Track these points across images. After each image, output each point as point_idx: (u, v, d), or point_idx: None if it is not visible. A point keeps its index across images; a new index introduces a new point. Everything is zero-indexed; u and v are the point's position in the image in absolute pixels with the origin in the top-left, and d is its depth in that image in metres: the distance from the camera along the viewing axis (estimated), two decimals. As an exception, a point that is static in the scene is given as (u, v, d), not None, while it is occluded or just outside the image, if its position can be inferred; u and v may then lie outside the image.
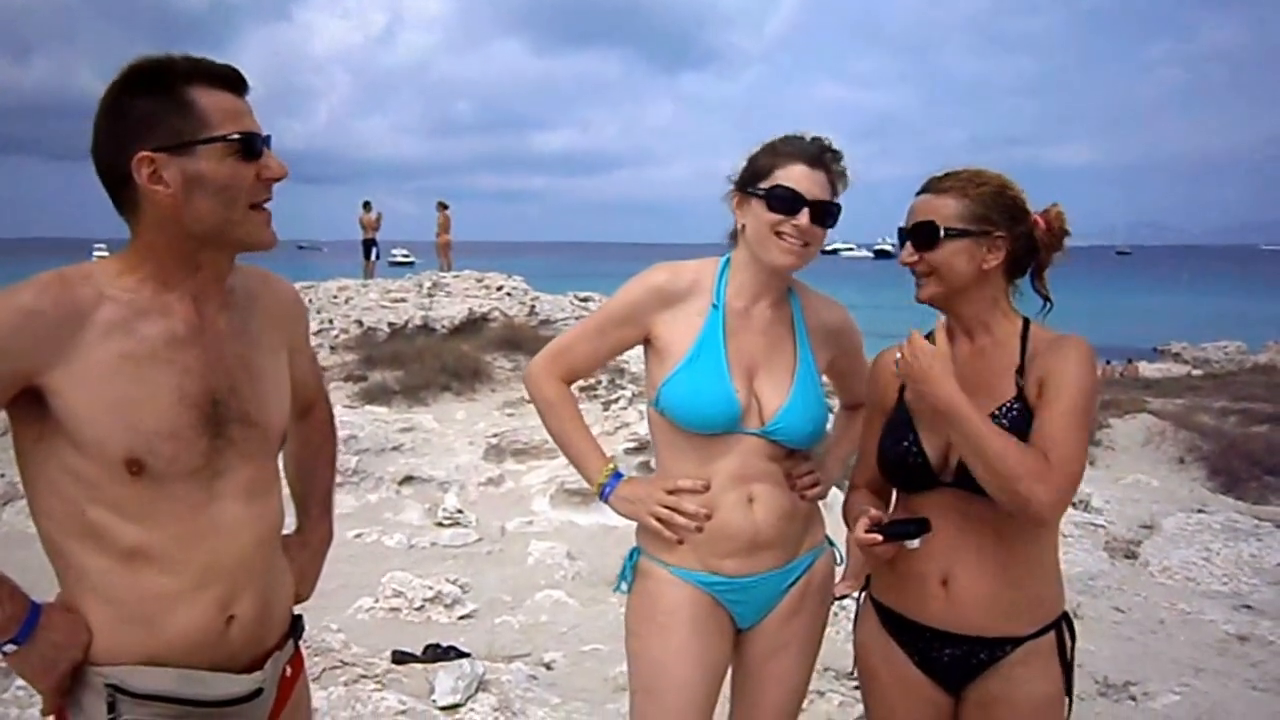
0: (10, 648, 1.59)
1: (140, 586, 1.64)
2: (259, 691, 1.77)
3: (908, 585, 2.17)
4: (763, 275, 2.33)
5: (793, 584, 2.39)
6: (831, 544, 2.51)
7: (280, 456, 1.90)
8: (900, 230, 2.20)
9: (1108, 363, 27.05)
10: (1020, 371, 2.11)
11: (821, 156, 2.28)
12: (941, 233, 2.11)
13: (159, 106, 1.59)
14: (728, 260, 2.39)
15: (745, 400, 2.29)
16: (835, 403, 2.69)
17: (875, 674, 2.28)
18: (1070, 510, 7.95)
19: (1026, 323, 2.18)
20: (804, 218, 2.22)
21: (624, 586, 2.46)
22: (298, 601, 2.01)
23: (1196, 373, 24.11)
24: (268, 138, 1.68)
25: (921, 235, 2.14)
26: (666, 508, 2.30)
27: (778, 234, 2.24)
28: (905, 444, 2.16)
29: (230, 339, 1.74)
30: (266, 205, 1.70)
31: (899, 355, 2.11)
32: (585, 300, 18.25)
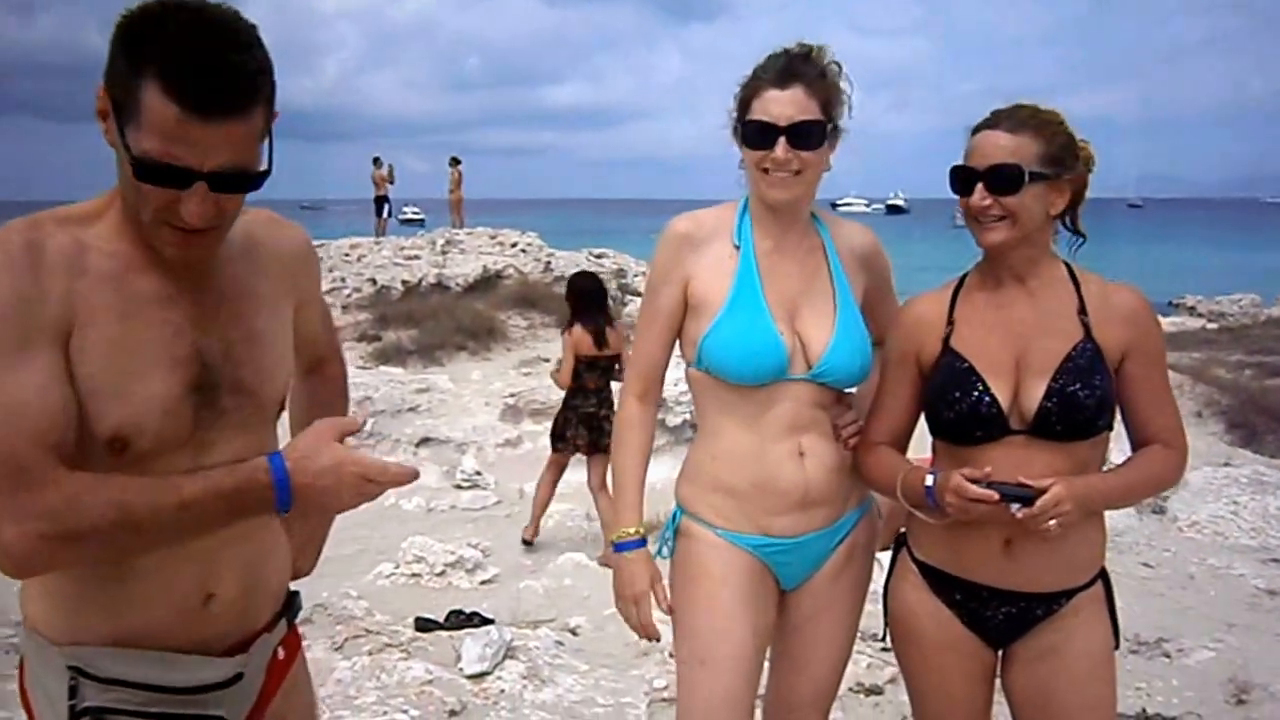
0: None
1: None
2: (239, 677, 1.61)
3: (965, 545, 2.09)
4: (775, 212, 2.20)
5: (839, 542, 2.28)
6: (873, 501, 2.40)
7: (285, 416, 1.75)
8: (964, 170, 2.06)
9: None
10: (1083, 311, 2.07)
11: (791, 70, 2.10)
12: (1026, 176, 2.00)
13: (120, 59, 1.34)
14: (746, 203, 2.26)
15: (790, 343, 2.16)
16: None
17: (918, 636, 2.21)
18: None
19: (1068, 265, 2.14)
20: (780, 148, 2.07)
21: (665, 550, 2.34)
22: (297, 577, 1.84)
23: (1211, 326, 23.89)
24: (218, 175, 1.36)
25: (1002, 178, 2.00)
26: (636, 613, 2.26)
27: (763, 170, 2.11)
28: (976, 394, 2.05)
29: (225, 294, 1.56)
30: (185, 228, 1.40)
31: (1021, 512, 1.91)
32: (600, 256, 18.08)
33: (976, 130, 2.08)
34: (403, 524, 7.38)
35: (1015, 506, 1.90)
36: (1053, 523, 1.90)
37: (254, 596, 1.65)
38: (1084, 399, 1.98)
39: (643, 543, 2.27)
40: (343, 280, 14.52)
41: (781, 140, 2.07)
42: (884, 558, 2.39)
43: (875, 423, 2.27)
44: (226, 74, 1.33)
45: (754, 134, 2.10)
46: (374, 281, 14.58)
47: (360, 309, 13.82)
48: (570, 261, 16.41)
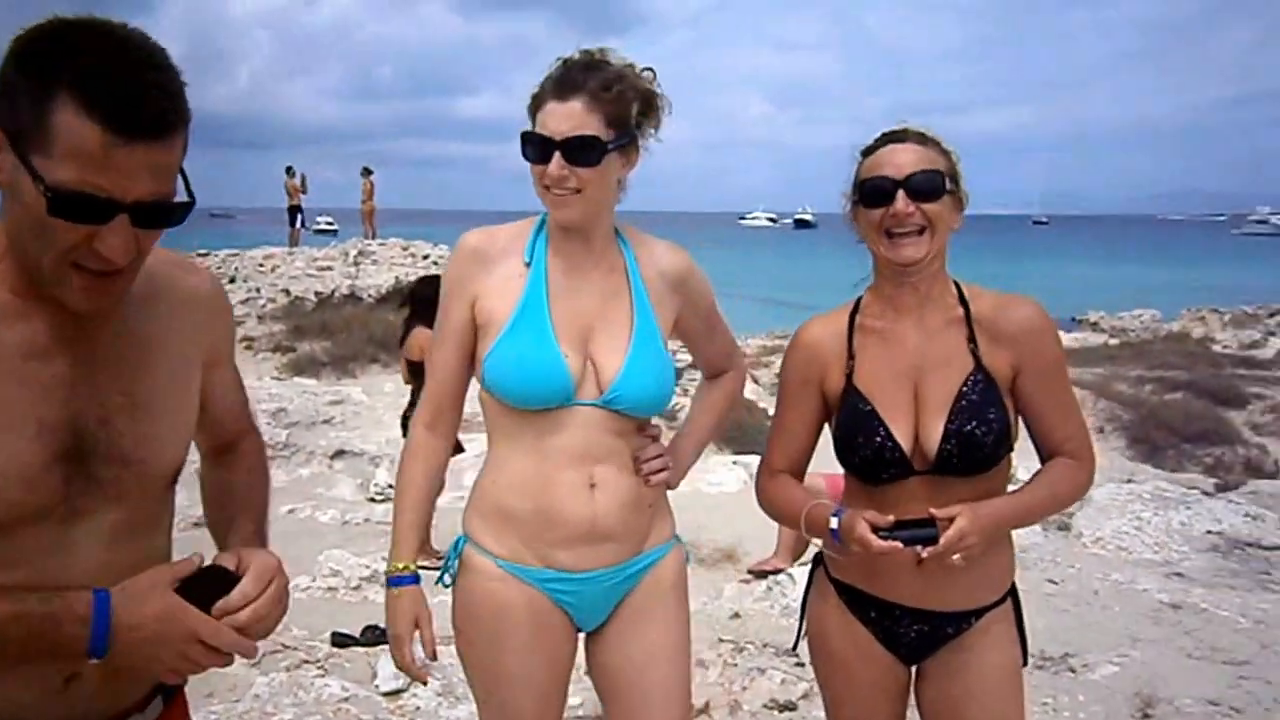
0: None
1: None
2: None
3: (878, 565, 2.06)
4: (568, 230, 2.07)
5: (634, 583, 2.15)
6: (679, 540, 2.27)
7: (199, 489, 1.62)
8: (880, 180, 2.00)
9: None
10: (972, 339, 2.06)
11: (570, 81, 1.96)
12: (947, 183, 2.00)
13: (21, 82, 1.19)
14: (545, 218, 2.12)
15: (579, 367, 2.03)
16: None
17: (834, 653, 2.23)
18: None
19: (957, 285, 2.13)
20: (554, 164, 1.94)
21: (447, 579, 2.17)
22: None
23: (1114, 342, 24.64)
24: (141, 207, 1.23)
25: (925, 184, 1.97)
26: (399, 654, 2.11)
27: (545, 187, 1.99)
28: (879, 439, 2.04)
29: (112, 349, 1.37)
30: (97, 270, 1.25)
31: (925, 553, 1.92)
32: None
33: (874, 149, 2.06)
34: (318, 537, 7.21)
35: (921, 548, 1.93)
36: (957, 557, 1.92)
37: (122, 676, 1.43)
38: (981, 436, 1.99)
39: (414, 579, 2.11)
40: (257, 291, 14.34)
41: (556, 156, 1.95)
42: (798, 573, 2.39)
43: (775, 449, 2.26)
44: (151, 92, 1.20)
45: (531, 148, 1.99)
46: (288, 292, 14.40)
47: (275, 320, 13.66)
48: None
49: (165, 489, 1.47)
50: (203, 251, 18.41)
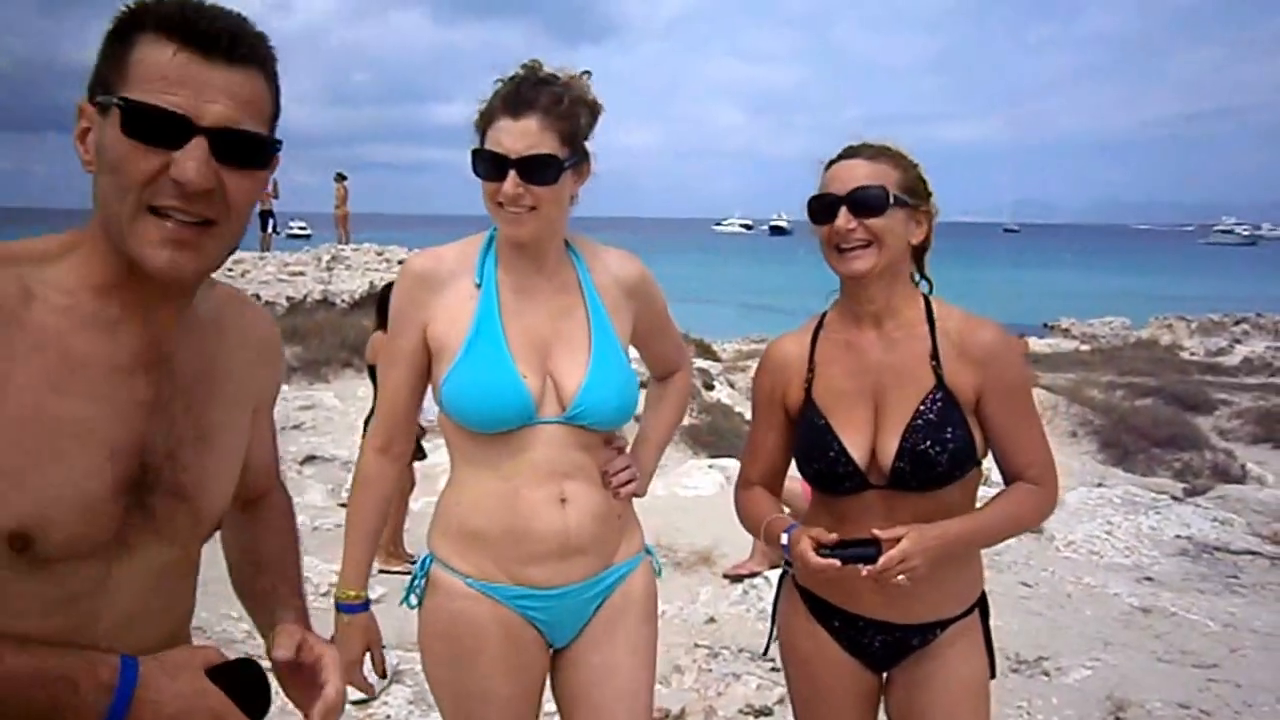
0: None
1: None
2: None
3: (840, 576, 2.03)
4: (519, 247, 2.04)
5: (605, 597, 2.13)
6: (649, 552, 2.25)
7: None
8: (825, 197, 2.03)
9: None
10: (935, 357, 2.05)
11: (524, 98, 1.93)
12: (891, 198, 2.00)
13: (106, 46, 1.18)
14: (493, 235, 2.08)
15: (538, 386, 2.00)
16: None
17: (802, 659, 2.24)
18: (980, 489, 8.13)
19: (927, 301, 2.13)
20: (510, 182, 1.91)
21: (413, 600, 2.13)
22: None
23: (1085, 348, 24.94)
24: (219, 133, 1.17)
25: (867, 200, 1.99)
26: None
27: (498, 204, 1.96)
28: (832, 453, 2.06)
29: (187, 378, 1.30)
30: (172, 216, 1.17)
31: (871, 569, 1.93)
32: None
33: (831, 164, 2.08)
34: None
35: (861, 566, 1.93)
36: (900, 577, 1.92)
37: None
38: (935, 455, 1.99)
39: (364, 606, 2.12)
40: (226, 295, 14.14)
41: (512, 174, 1.91)
42: (774, 577, 2.39)
43: (748, 462, 2.30)
44: (229, 19, 1.18)
45: (485, 165, 1.95)
46: (258, 297, 14.22)
47: (244, 324, 13.45)
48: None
49: (209, 533, 1.39)
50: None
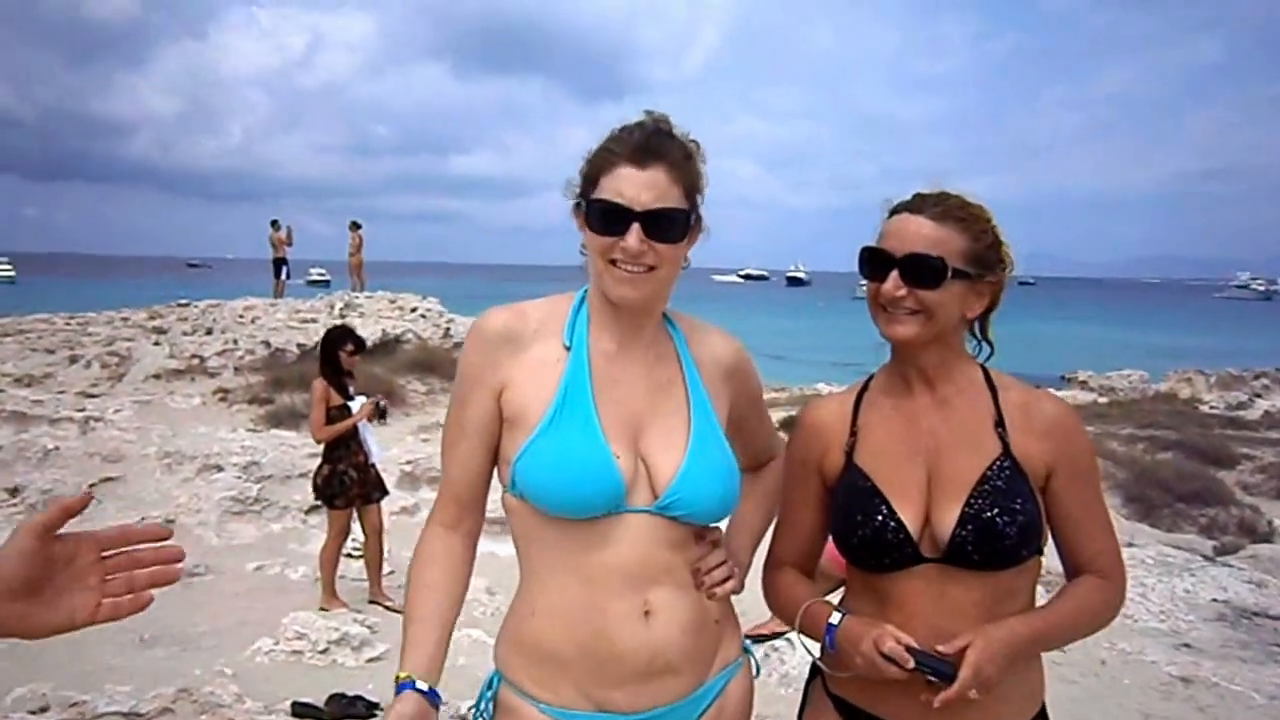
0: None
1: None
2: None
3: (886, 682, 1.78)
4: (620, 310, 1.83)
5: (703, 713, 1.88)
6: (748, 652, 2.02)
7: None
8: (878, 253, 1.83)
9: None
10: (1000, 423, 1.85)
11: (649, 148, 1.74)
12: (950, 272, 1.79)
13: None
14: (584, 294, 1.88)
15: (630, 468, 1.76)
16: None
17: None
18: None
19: (984, 369, 1.94)
20: (634, 237, 1.71)
21: None
22: None
23: (1103, 400, 24.68)
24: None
25: (922, 270, 1.79)
26: None
27: (610, 261, 1.75)
28: (881, 518, 1.83)
29: None
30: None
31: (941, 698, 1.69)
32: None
33: (896, 211, 1.87)
34: (286, 595, 7.00)
35: (931, 678, 1.70)
36: (973, 693, 1.69)
37: None
38: (1003, 526, 1.76)
39: (431, 693, 1.73)
40: (235, 342, 14.12)
41: (636, 228, 1.71)
42: (797, 639, 2.14)
43: (780, 541, 2.07)
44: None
45: (602, 217, 1.74)
46: (268, 344, 14.18)
47: (253, 371, 13.42)
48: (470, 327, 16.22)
49: None
50: (183, 301, 18.28)
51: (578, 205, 1.81)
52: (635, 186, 1.72)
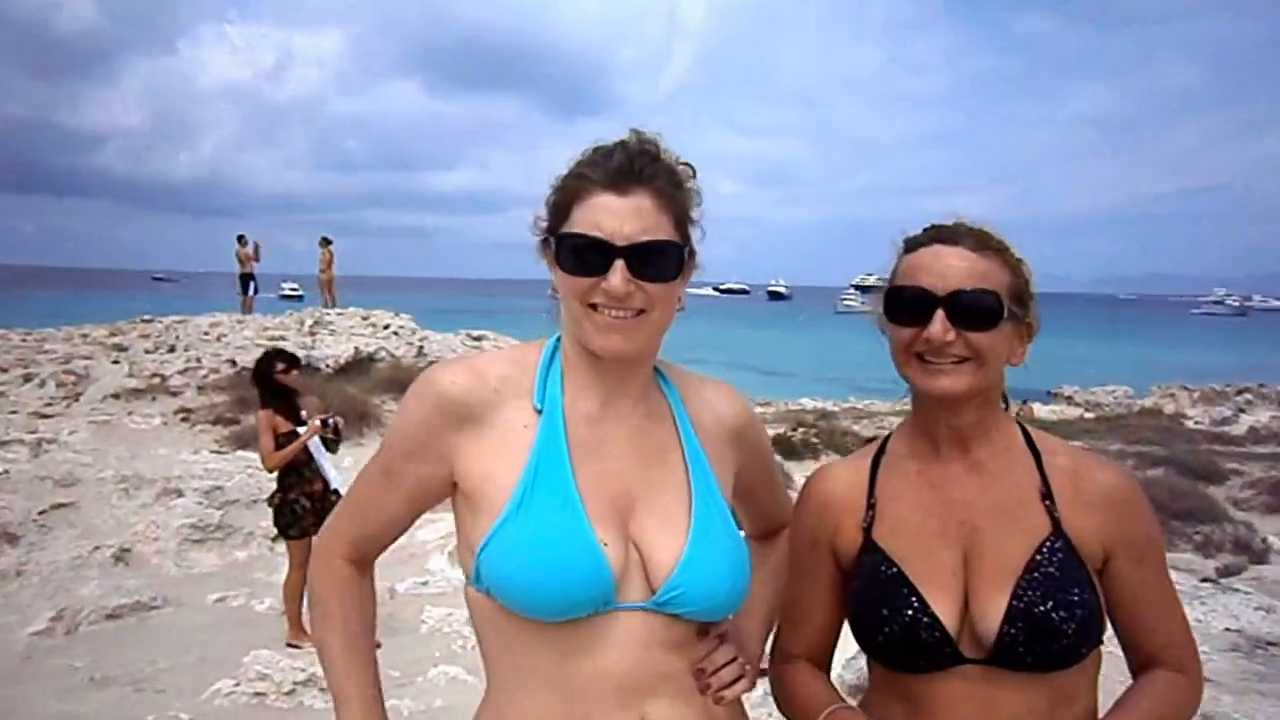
0: None
1: None
2: None
3: None
4: (602, 363, 1.52)
5: None
6: None
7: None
8: (916, 292, 1.54)
9: (1004, 405, 27.71)
10: (1048, 495, 1.57)
11: (632, 171, 1.46)
12: (1005, 311, 1.53)
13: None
14: (556, 344, 1.58)
15: (620, 556, 1.45)
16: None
17: None
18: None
19: (1022, 428, 1.67)
20: (617, 276, 1.42)
21: None
22: None
23: (1089, 415, 24.76)
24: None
25: (976, 309, 1.52)
26: None
27: (590, 306, 1.46)
28: (912, 613, 1.52)
29: None
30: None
31: None
32: (478, 339, 17.62)
33: (918, 244, 1.59)
34: (250, 629, 6.62)
35: None
36: None
37: None
38: (1059, 622, 1.47)
39: None
40: (199, 360, 13.74)
41: (619, 265, 1.42)
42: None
43: (789, 632, 1.75)
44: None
45: (577, 255, 1.45)
46: (233, 363, 13.79)
47: (217, 390, 13.00)
48: (445, 345, 15.94)
49: None
50: (146, 317, 17.70)
51: (545, 241, 1.52)
52: (616, 217, 1.44)
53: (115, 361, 14.75)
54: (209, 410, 12.14)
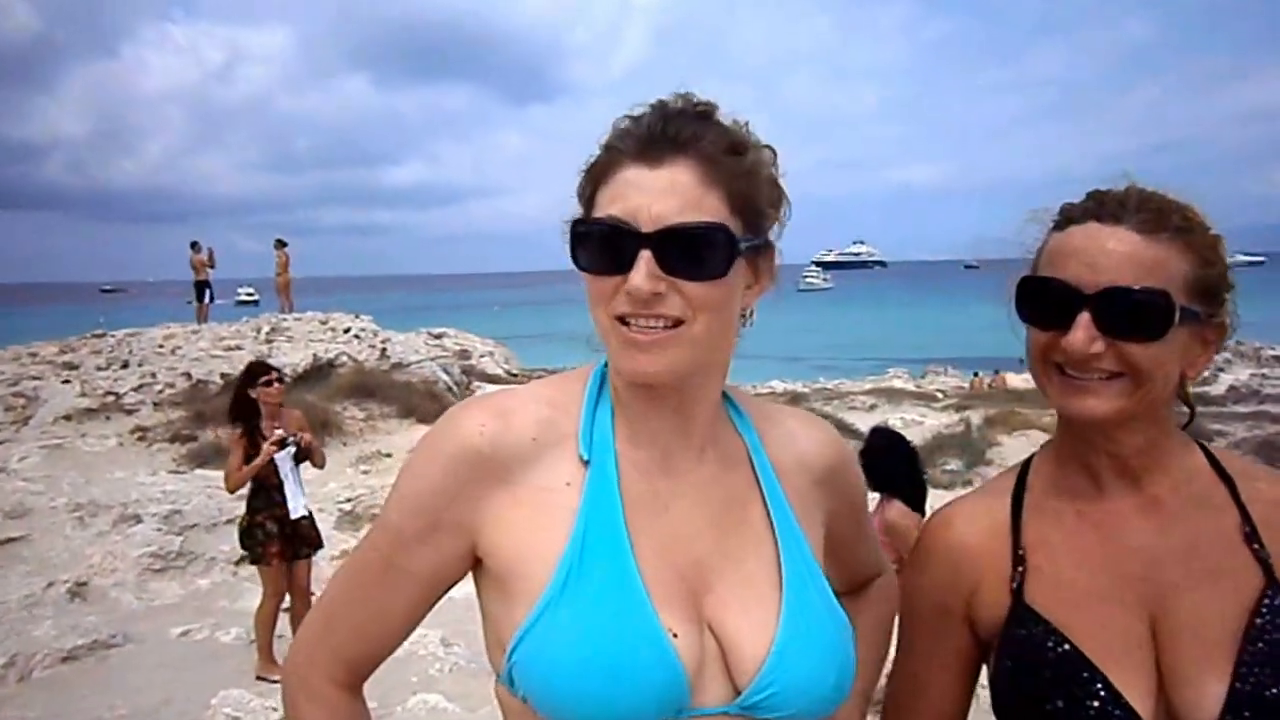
0: None
1: None
2: None
3: None
4: (652, 394, 1.22)
5: None
6: None
7: None
8: (1056, 287, 1.22)
9: (975, 374, 27.86)
10: (1254, 536, 1.23)
11: (667, 134, 1.14)
12: (1178, 314, 1.18)
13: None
14: (603, 368, 1.28)
15: (694, 649, 1.14)
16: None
17: None
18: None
19: (1205, 450, 1.34)
20: (640, 272, 1.11)
21: None
22: None
23: (1054, 385, 25.02)
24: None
25: (1135, 314, 1.18)
26: None
27: (618, 320, 1.15)
28: (1098, 703, 1.19)
29: None
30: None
31: None
32: (439, 337, 17.36)
33: (1072, 218, 1.26)
34: (217, 664, 6.31)
35: None
36: None
37: None
38: None
39: None
40: (154, 375, 13.35)
41: (644, 257, 1.11)
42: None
43: (906, 711, 1.44)
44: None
45: (599, 247, 1.14)
46: (189, 375, 13.40)
47: (173, 405, 12.64)
48: (408, 346, 15.61)
49: None
50: (98, 332, 17.15)
51: (574, 234, 1.20)
52: (644, 194, 1.12)
53: (66, 381, 14.24)
54: (166, 428, 11.78)
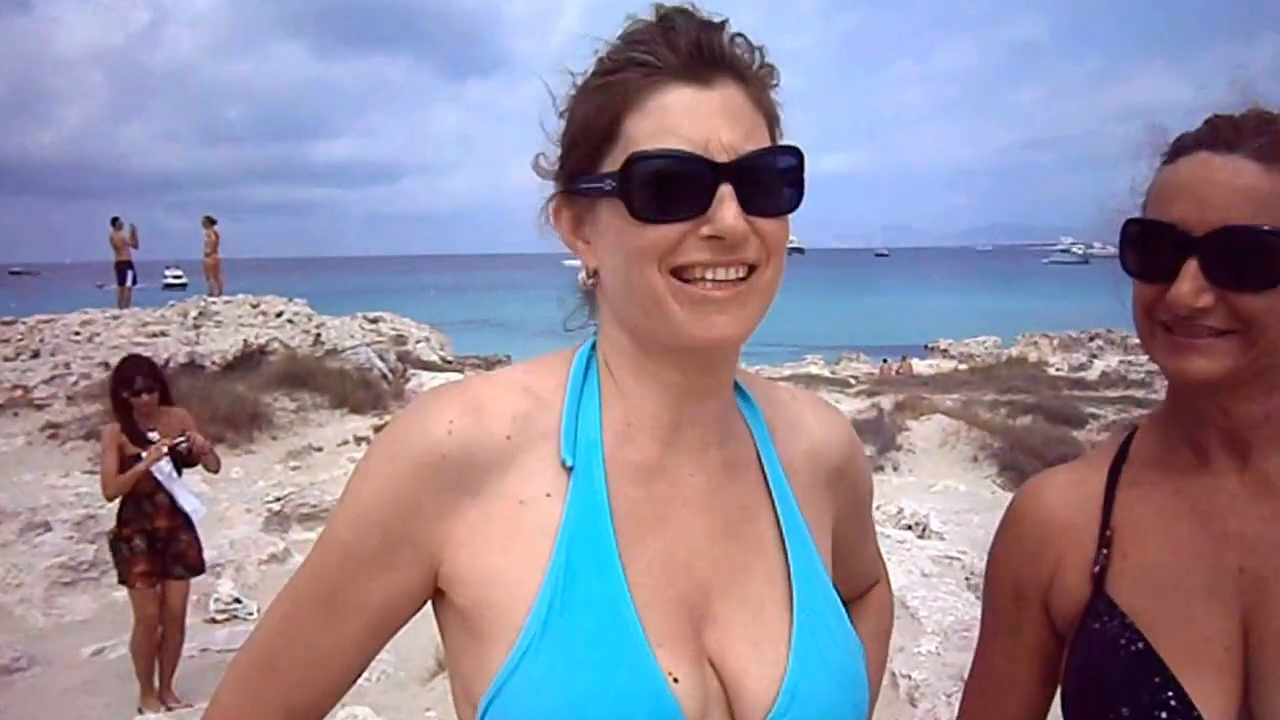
0: None
1: None
2: None
3: None
4: (667, 376, 1.05)
5: None
6: None
7: None
8: (1161, 230, 1.09)
9: (884, 361, 28.54)
10: None
11: (714, 49, 0.99)
12: None
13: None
14: (590, 352, 1.10)
15: (696, 693, 0.98)
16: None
17: None
18: (918, 541, 7.79)
19: None
20: (729, 209, 0.95)
21: None
22: None
23: (963, 367, 25.99)
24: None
25: (1257, 256, 1.04)
26: None
27: (677, 273, 0.98)
28: (1166, 713, 1.09)
29: None
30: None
31: None
32: (375, 321, 17.12)
33: (1180, 150, 1.12)
34: (133, 685, 5.89)
35: None
36: None
37: None
38: None
39: None
40: (68, 366, 12.77)
41: (728, 194, 0.96)
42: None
43: (978, 712, 1.35)
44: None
45: (658, 188, 0.96)
46: (107, 365, 12.93)
47: (89, 399, 12.06)
48: (343, 330, 15.37)
49: None
50: (6, 319, 16.12)
51: (573, 190, 1.05)
52: (706, 120, 0.97)
53: (-34, 374, 13.67)
54: (80, 424, 11.27)
